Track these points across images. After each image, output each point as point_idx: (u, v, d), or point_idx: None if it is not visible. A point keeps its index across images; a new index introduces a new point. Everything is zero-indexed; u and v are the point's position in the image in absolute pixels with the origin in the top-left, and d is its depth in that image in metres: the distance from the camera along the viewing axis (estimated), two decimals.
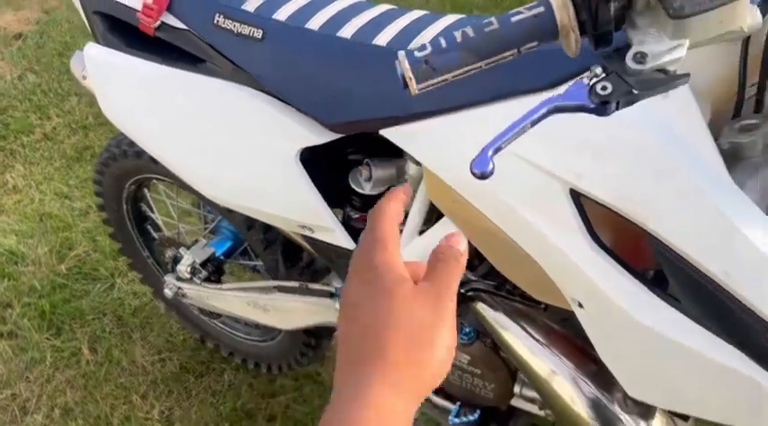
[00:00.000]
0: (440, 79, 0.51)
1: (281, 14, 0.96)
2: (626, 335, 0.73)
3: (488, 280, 0.96)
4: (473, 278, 0.98)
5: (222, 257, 1.50)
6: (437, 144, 0.85)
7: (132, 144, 1.41)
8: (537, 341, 0.93)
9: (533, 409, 1.10)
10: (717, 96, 0.67)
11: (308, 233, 1.08)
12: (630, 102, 0.48)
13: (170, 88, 1.04)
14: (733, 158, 0.66)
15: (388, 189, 1.03)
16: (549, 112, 0.49)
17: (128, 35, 1.07)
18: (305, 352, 1.56)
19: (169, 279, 1.54)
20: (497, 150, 0.48)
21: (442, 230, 0.95)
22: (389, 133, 0.89)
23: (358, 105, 0.91)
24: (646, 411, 0.88)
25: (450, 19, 0.89)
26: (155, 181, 1.57)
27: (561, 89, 0.52)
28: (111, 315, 1.98)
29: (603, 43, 0.50)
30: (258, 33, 0.95)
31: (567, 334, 0.93)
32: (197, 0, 1.01)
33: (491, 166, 0.47)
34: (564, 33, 0.50)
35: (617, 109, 0.48)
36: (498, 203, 0.81)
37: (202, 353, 1.86)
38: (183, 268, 1.46)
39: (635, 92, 0.47)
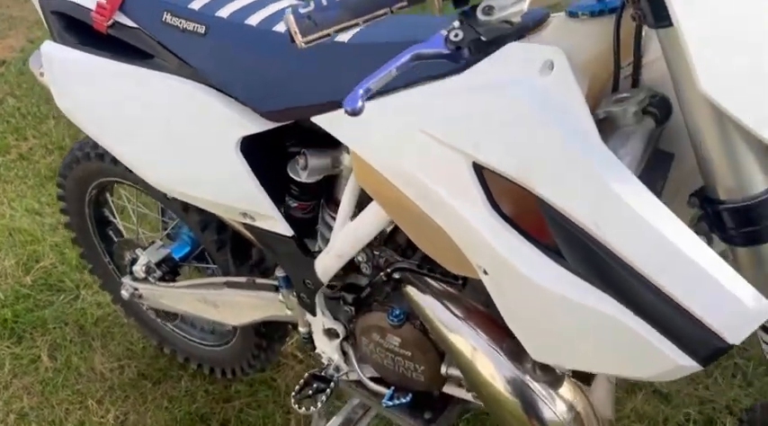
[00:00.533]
0: (322, 33, 0.58)
1: (224, 12, 1.03)
2: (524, 297, 0.79)
3: (412, 260, 1.02)
4: (399, 259, 1.04)
5: (178, 260, 1.54)
6: (361, 128, 0.91)
7: (95, 146, 1.47)
8: (459, 318, 0.98)
9: (464, 394, 1.14)
10: (595, 73, 0.75)
11: (249, 221, 1.13)
12: (480, 49, 0.54)
13: (120, 82, 1.11)
14: (609, 128, 0.73)
15: (324, 178, 1.10)
16: (412, 59, 0.55)
17: (82, 33, 1.15)
18: (257, 355, 1.59)
19: (126, 280, 1.58)
20: (367, 91, 0.54)
21: (370, 214, 1.01)
22: (320, 119, 0.96)
23: (292, 94, 0.97)
24: (554, 380, 0.93)
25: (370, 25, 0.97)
26: (116, 185, 1.63)
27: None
28: (73, 325, 2.01)
29: (462, 2, 0.57)
30: (201, 29, 1.03)
31: (485, 312, 0.98)
32: (147, 0, 1.09)
33: (360, 104, 0.54)
34: None
35: (470, 54, 0.55)
36: (414, 180, 0.87)
37: (161, 361, 1.88)
38: (139, 267, 1.51)
39: (483, 38, 0.54)
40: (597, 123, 0.71)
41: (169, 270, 1.51)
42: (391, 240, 1.10)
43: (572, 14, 0.76)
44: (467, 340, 0.96)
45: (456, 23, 0.57)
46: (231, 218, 1.17)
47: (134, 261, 1.55)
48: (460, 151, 0.80)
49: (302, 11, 0.59)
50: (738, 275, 0.63)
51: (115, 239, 1.75)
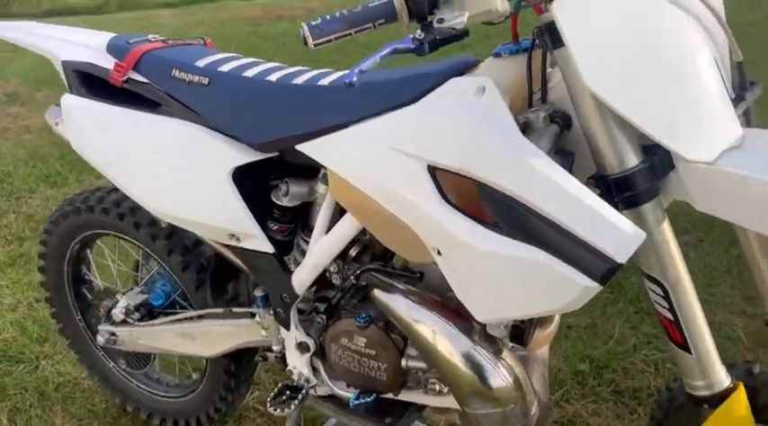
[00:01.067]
0: (325, 39, 0.84)
1: (225, 68, 1.29)
2: (469, 264, 1.00)
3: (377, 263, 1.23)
4: (365, 262, 1.24)
5: (155, 306, 1.68)
6: (339, 150, 1.15)
7: (85, 200, 1.65)
8: (419, 307, 1.17)
9: (420, 399, 1.31)
10: (515, 94, 1.02)
11: (234, 242, 1.32)
12: (435, 45, 0.81)
13: (131, 126, 1.32)
14: (527, 130, 0.99)
15: (301, 205, 1.31)
16: (391, 52, 0.81)
17: (94, 87, 1.38)
18: (224, 396, 1.69)
19: (103, 327, 1.70)
20: (361, 71, 0.79)
21: (343, 225, 1.23)
22: (303, 147, 1.19)
23: (280, 127, 1.21)
24: (497, 349, 1.12)
25: (338, 73, 1.24)
26: (99, 240, 1.78)
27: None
28: (34, 391, 2.05)
29: (423, 19, 0.84)
30: (205, 81, 1.27)
31: (440, 300, 1.18)
32: (159, 60, 1.34)
33: (355, 79, 0.78)
34: (400, 16, 0.84)
35: (429, 50, 0.81)
36: (383, 187, 1.09)
37: (123, 419, 1.94)
38: (118, 310, 1.64)
39: (437, 37, 0.80)
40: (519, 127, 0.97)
41: (147, 313, 1.65)
42: (357, 257, 1.31)
43: (496, 55, 1.05)
44: (427, 324, 1.15)
45: (419, 30, 0.84)
46: (218, 240, 1.36)
47: (113, 307, 1.68)
48: (418, 157, 1.04)
49: (313, 23, 0.84)
50: (619, 213, 0.88)
51: (89, 297, 1.87)
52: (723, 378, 1.00)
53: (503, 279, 0.97)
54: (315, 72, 1.26)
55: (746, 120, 0.97)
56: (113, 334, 1.68)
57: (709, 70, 0.91)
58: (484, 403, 1.11)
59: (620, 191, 0.93)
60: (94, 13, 10.20)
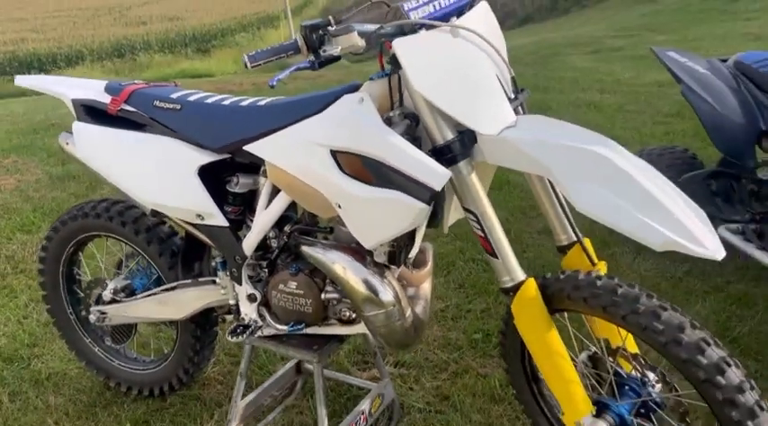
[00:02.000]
0: (258, 63, 1.41)
1: (192, 98, 1.85)
2: (354, 209, 1.54)
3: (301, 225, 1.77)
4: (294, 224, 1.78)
5: (134, 289, 2.17)
6: (273, 147, 1.71)
7: (80, 209, 2.15)
8: (333, 251, 1.71)
9: (337, 331, 1.82)
10: (381, 103, 1.60)
11: (199, 221, 1.85)
12: (322, 64, 1.39)
13: (125, 141, 1.86)
14: (390, 123, 1.57)
15: (249, 192, 1.86)
16: (296, 69, 1.39)
17: (94, 115, 1.92)
18: (192, 358, 2.16)
19: (94, 308, 2.17)
20: (278, 80, 1.36)
21: (278, 200, 1.77)
22: (250, 147, 1.74)
23: (231, 134, 1.76)
24: (382, 271, 1.66)
25: (269, 98, 1.81)
26: (90, 244, 2.27)
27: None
28: (29, 379, 2.47)
29: (314, 50, 1.43)
30: (178, 106, 1.83)
31: (346, 245, 1.72)
32: (144, 95, 1.89)
33: (276, 83, 1.35)
34: (302, 49, 1.42)
35: (318, 67, 1.39)
36: (304, 168, 1.65)
37: (107, 394, 2.37)
38: (108, 292, 2.12)
39: (322, 60, 1.39)
40: (384, 122, 1.55)
41: (130, 293, 2.14)
42: (289, 228, 1.85)
43: (371, 79, 1.64)
44: (338, 262, 1.68)
45: (312, 56, 1.42)
46: (188, 220, 1.88)
47: (102, 291, 2.16)
48: (325, 145, 1.61)
49: (250, 53, 1.41)
50: (439, 164, 1.45)
51: (79, 293, 2.34)
52: (520, 275, 1.55)
53: (376, 214, 1.53)
54: (254, 98, 1.84)
55: (522, 111, 1.58)
56: (103, 313, 2.15)
57: (494, 81, 1.52)
58: (373, 307, 1.64)
59: (444, 155, 1.51)
60: (25, 94, 10.53)
